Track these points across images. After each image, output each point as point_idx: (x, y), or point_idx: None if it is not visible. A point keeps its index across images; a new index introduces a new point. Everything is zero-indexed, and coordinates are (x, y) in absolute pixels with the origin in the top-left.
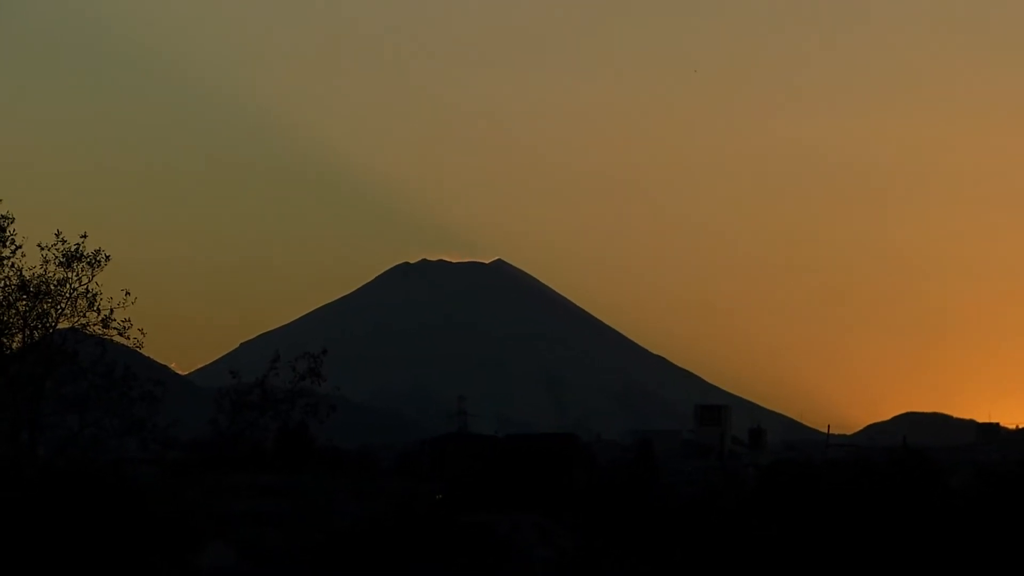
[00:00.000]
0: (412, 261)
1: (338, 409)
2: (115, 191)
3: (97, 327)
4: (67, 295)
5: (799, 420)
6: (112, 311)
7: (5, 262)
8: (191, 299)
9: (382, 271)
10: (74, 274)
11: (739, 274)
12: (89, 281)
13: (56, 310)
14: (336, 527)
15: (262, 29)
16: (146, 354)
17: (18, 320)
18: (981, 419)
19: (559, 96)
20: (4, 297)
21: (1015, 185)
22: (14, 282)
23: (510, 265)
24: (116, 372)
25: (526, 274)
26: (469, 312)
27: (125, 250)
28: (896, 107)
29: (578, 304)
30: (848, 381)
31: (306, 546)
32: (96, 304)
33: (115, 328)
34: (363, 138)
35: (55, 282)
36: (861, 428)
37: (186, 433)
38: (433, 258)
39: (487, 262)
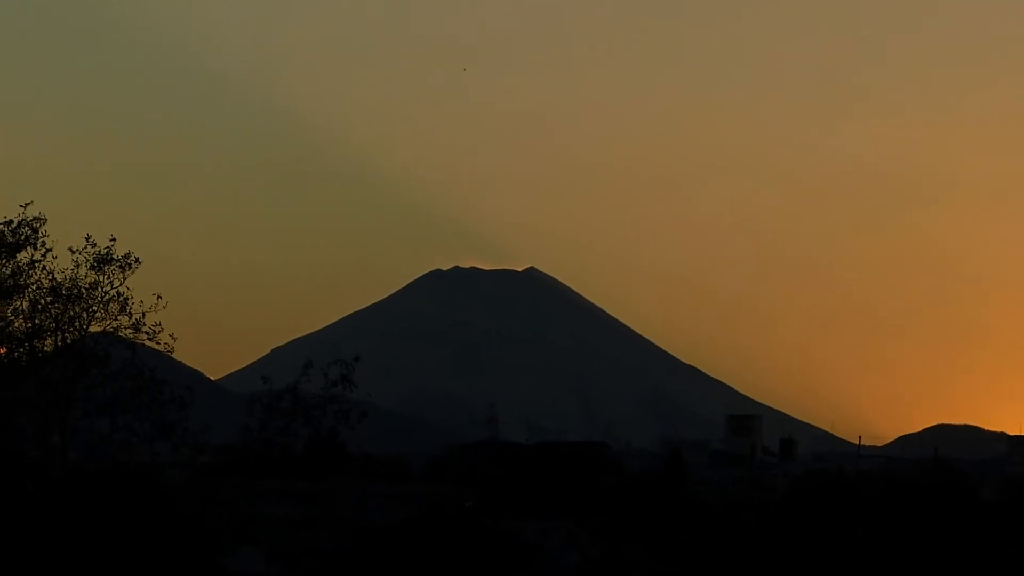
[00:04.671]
0: (445, 268)
1: (369, 415)
2: (147, 194)
3: (128, 331)
4: (99, 299)
5: (830, 431)
6: (144, 315)
7: (36, 265)
8: (223, 303)
9: (414, 278)
10: (105, 277)
11: (772, 283)
12: (120, 284)
13: (88, 313)
14: (365, 532)
15: (296, 30)
16: (177, 358)
17: (50, 323)
18: (1012, 431)
19: (593, 101)
20: (36, 300)
21: None
22: (46, 285)
23: (542, 273)
24: (146, 376)
25: (558, 282)
26: (501, 319)
27: (157, 253)
28: (931, 113)
29: (610, 312)
30: (879, 392)
31: (335, 551)
32: (128, 308)
33: (146, 332)
34: (397, 143)
35: (86, 285)
36: (892, 439)
37: (217, 438)
38: (465, 265)
39: (519, 270)
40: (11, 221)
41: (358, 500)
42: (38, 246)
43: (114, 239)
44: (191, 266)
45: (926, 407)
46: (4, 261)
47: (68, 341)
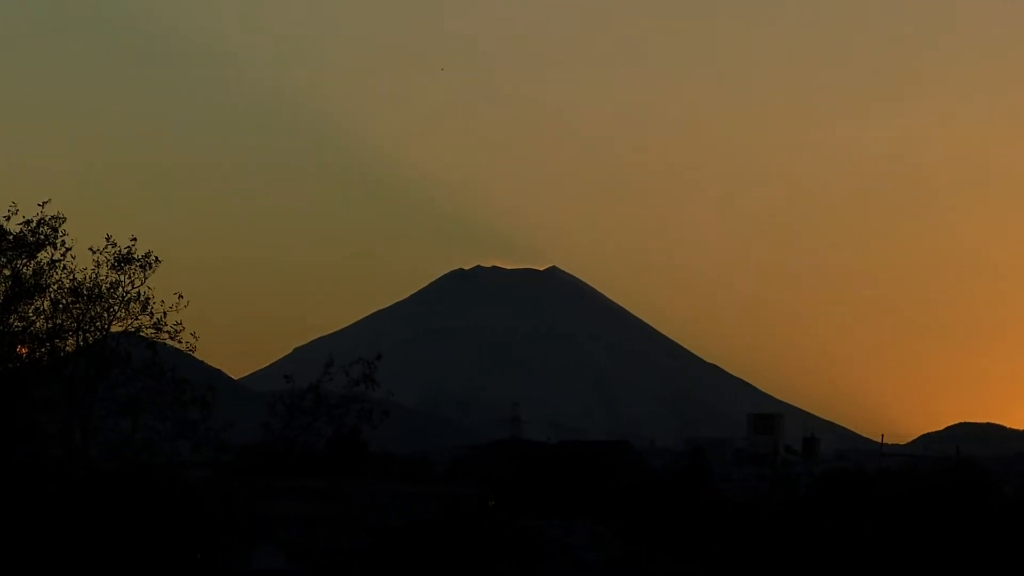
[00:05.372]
0: (466, 267)
1: (391, 414)
2: (168, 193)
3: (149, 331)
4: (120, 298)
5: (853, 429)
6: (165, 314)
7: (57, 264)
8: (245, 303)
9: (436, 277)
10: (126, 277)
11: (794, 282)
12: (141, 284)
13: (109, 313)
14: (386, 530)
15: (318, 28)
16: (199, 357)
17: (72, 323)
18: None
19: (616, 100)
20: (57, 300)
21: None
22: (67, 285)
23: (564, 272)
24: (167, 375)
25: (581, 281)
26: (523, 319)
27: (178, 252)
28: (956, 111)
29: (632, 312)
30: (902, 390)
31: (356, 549)
32: (149, 307)
33: (167, 332)
34: (419, 143)
35: (107, 285)
36: (915, 438)
37: (239, 437)
38: (487, 264)
39: (541, 269)
40: (30, 221)
41: (378, 499)
42: (58, 245)
43: (135, 239)
44: (212, 265)
45: (949, 405)
46: (25, 261)
47: (89, 341)
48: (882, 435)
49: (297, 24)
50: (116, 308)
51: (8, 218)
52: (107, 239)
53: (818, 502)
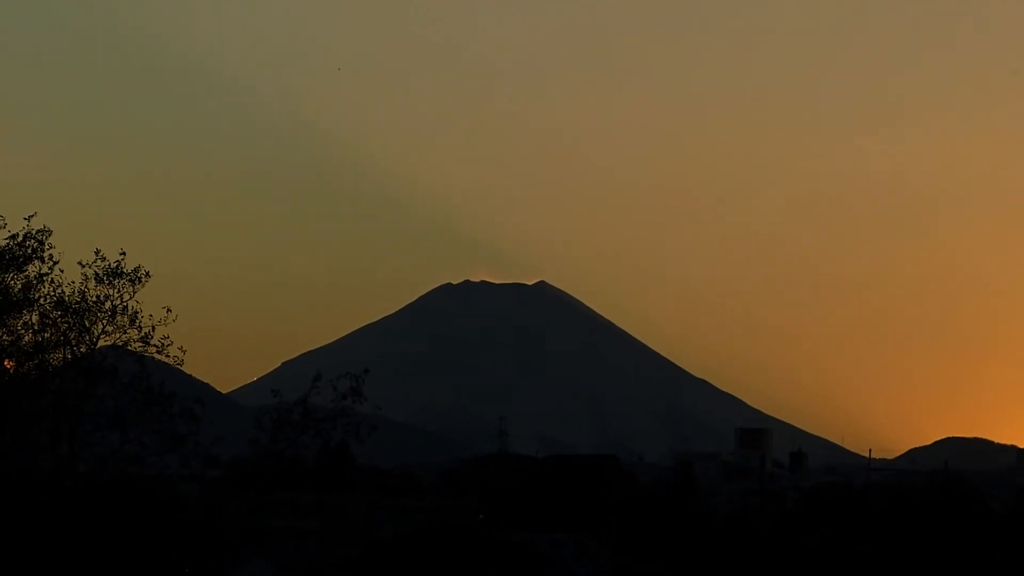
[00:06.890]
0: (455, 282)
1: (379, 428)
2: (156, 206)
3: (137, 344)
4: (107, 312)
5: (840, 444)
6: (153, 328)
7: (44, 279)
8: (233, 317)
9: (425, 292)
10: (115, 291)
11: (783, 297)
12: (130, 298)
13: (97, 327)
14: (376, 544)
15: (307, 43)
16: (187, 371)
17: (58, 337)
18: (1022, 444)
19: (605, 115)
20: (45, 314)
21: None
22: (53, 300)
23: (553, 287)
24: (155, 389)
25: (569, 295)
26: (512, 333)
27: (167, 266)
28: (943, 128)
29: (621, 326)
30: (889, 405)
31: (345, 563)
32: (138, 321)
33: (154, 346)
34: (409, 157)
35: (93, 299)
36: (902, 452)
37: (227, 451)
38: (476, 279)
39: (530, 283)
40: (16, 235)
41: (368, 512)
42: (45, 259)
43: (124, 253)
44: (201, 279)
45: (936, 420)
46: (15, 273)
47: (77, 355)
48: (869, 449)
49: (288, 36)
50: (104, 322)
51: None
52: (96, 253)
53: (806, 516)
